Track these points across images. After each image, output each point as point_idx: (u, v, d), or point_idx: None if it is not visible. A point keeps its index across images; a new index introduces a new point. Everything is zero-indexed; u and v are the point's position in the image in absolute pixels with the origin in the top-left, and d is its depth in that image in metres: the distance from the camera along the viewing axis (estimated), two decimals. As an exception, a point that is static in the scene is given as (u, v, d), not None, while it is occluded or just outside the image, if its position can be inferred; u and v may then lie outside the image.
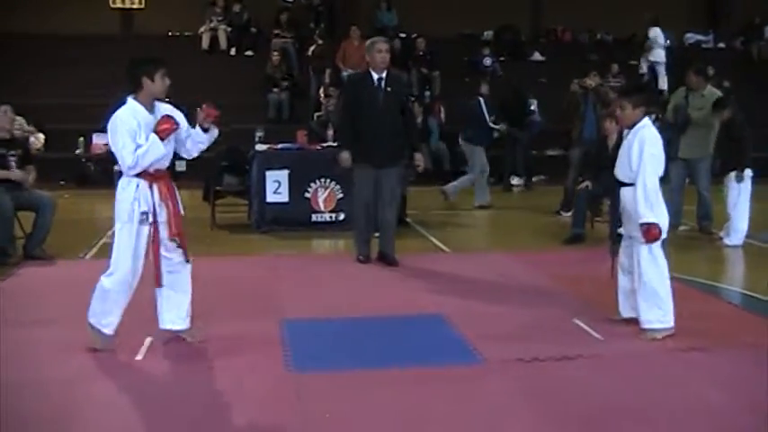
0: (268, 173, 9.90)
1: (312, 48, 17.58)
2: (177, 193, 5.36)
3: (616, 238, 5.98)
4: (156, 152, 5.09)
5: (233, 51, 18.52)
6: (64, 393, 4.67)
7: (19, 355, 5.27)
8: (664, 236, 5.66)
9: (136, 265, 5.21)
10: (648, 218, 5.51)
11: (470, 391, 4.75)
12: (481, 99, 12.46)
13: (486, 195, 12.37)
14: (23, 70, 16.57)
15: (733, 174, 9.21)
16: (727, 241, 9.29)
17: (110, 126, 5.17)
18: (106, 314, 5.26)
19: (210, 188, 10.27)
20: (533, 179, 15.25)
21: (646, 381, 4.92)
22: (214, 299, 5.63)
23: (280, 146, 10.48)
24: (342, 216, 9.91)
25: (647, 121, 5.74)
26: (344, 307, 6.50)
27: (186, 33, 19.18)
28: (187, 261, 5.38)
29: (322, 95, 15.80)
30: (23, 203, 8.21)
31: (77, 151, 15.34)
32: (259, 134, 10.88)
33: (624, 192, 5.73)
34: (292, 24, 18.33)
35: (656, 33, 18.75)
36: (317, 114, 15.45)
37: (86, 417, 4.41)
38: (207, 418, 4.35)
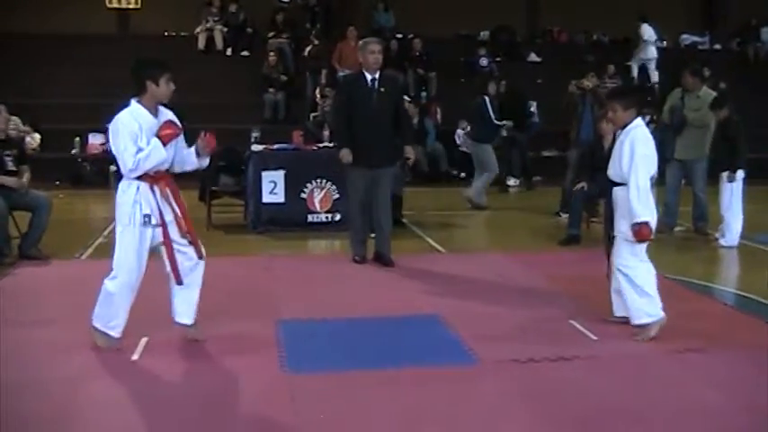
0: (264, 173, 9.89)
1: (308, 48, 17.57)
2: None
3: (611, 239, 5.99)
4: (158, 157, 5.10)
5: (229, 51, 18.51)
6: (63, 393, 4.66)
7: (18, 354, 5.26)
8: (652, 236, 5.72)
9: (139, 268, 5.21)
10: (642, 217, 5.55)
11: (466, 392, 4.75)
12: (486, 98, 12.47)
13: (482, 197, 12.36)
14: (19, 70, 16.55)
15: (725, 174, 9.22)
16: (722, 242, 9.31)
17: (111, 128, 5.18)
18: (112, 317, 5.28)
19: (206, 188, 10.25)
20: (531, 180, 15.26)
21: (642, 381, 4.93)
22: (210, 299, 5.61)
23: (276, 146, 10.47)
24: (338, 216, 9.91)
25: (638, 121, 5.77)
26: (340, 307, 6.50)
27: (182, 33, 19.16)
28: (200, 257, 5.37)
29: (318, 96, 15.82)
30: (19, 203, 8.19)
31: (73, 151, 15.31)
32: (255, 134, 10.88)
33: (616, 191, 5.77)
34: (288, 25, 18.33)
35: (645, 30, 18.84)
36: (313, 115, 15.46)
37: (86, 416, 4.40)
38: (203, 419, 4.35)
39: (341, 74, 15.46)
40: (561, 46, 21.04)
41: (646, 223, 5.55)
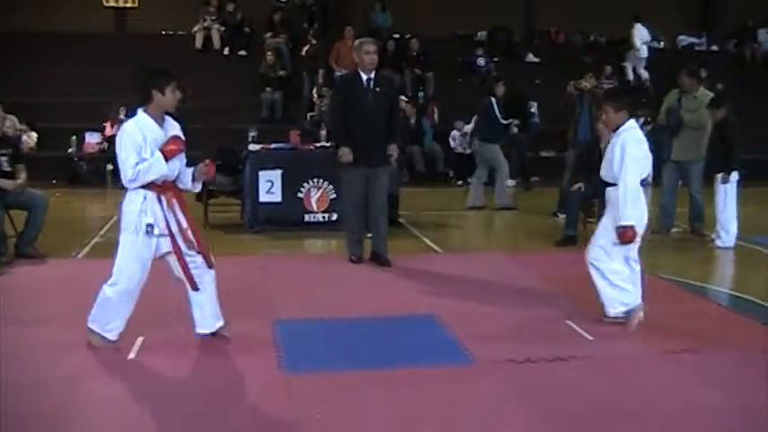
0: (261, 173, 9.88)
1: (306, 48, 17.57)
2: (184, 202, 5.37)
3: None
4: (158, 170, 5.11)
5: (226, 51, 18.49)
6: (62, 392, 4.65)
7: (16, 353, 5.25)
8: (639, 238, 5.77)
9: (139, 276, 5.22)
10: (627, 220, 5.60)
11: (462, 392, 4.75)
12: (493, 99, 12.50)
13: (481, 198, 12.36)
14: (16, 68, 16.52)
15: (720, 176, 9.23)
16: (718, 243, 9.32)
17: (117, 137, 5.22)
18: (109, 321, 5.29)
19: (203, 188, 10.24)
20: (529, 180, 15.29)
21: (638, 382, 4.94)
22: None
23: (273, 146, 10.47)
24: (334, 216, 9.90)
25: (631, 123, 5.79)
26: (337, 307, 6.50)
27: (180, 33, 19.16)
28: (209, 267, 5.37)
29: (315, 96, 15.82)
30: (15, 202, 8.18)
31: (70, 150, 15.30)
32: (252, 134, 10.88)
33: (609, 191, 5.82)
34: (286, 24, 18.33)
35: (639, 30, 18.89)
36: (310, 114, 15.47)
37: (84, 415, 4.40)
38: (200, 418, 4.34)
39: (338, 74, 15.47)
40: (558, 46, 21.06)
41: (631, 227, 5.61)
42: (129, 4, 19.91)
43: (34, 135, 15.25)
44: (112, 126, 15.33)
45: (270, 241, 9.50)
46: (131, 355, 5.24)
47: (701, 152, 9.63)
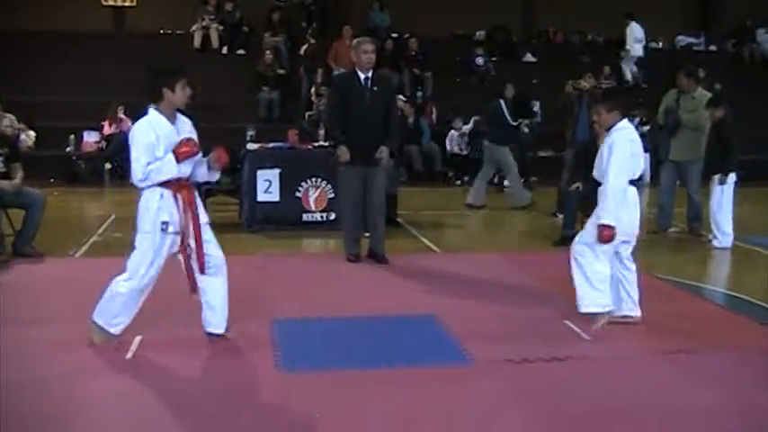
0: (259, 172, 9.88)
1: (304, 47, 17.57)
2: (199, 201, 5.39)
3: None
4: (169, 171, 5.11)
5: (225, 50, 18.50)
6: (61, 391, 4.65)
7: (15, 352, 5.24)
8: (627, 238, 5.81)
9: (154, 274, 5.24)
10: (605, 220, 5.61)
11: (460, 392, 4.75)
12: (502, 101, 12.51)
13: (482, 197, 12.36)
14: (14, 67, 16.52)
15: (717, 176, 9.24)
16: (716, 243, 9.32)
17: (130, 136, 5.22)
18: (117, 316, 5.29)
19: (201, 187, 10.23)
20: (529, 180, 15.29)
21: (635, 382, 4.94)
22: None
23: (271, 145, 10.47)
24: (332, 216, 9.90)
25: (623, 124, 5.81)
26: (335, 307, 6.50)
27: (178, 31, 19.16)
28: (201, 271, 5.34)
29: (313, 95, 15.82)
30: (13, 201, 8.18)
31: (68, 149, 15.30)
32: (250, 133, 10.87)
33: (600, 191, 5.84)
34: (284, 24, 18.32)
35: (634, 29, 18.92)
36: (308, 114, 15.48)
37: (83, 414, 4.39)
38: (198, 417, 4.34)
39: (335, 73, 15.47)
40: (557, 46, 21.07)
41: (609, 226, 5.61)
42: (127, 3, 19.93)
43: (32, 134, 15.25)
44: (111, 125, 15.36)
45: (268, 240, 9.50)
46: (129, 355, 5.24)
47: (699, 152, 9.63)
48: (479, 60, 18.79)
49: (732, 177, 9.23)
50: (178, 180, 5.20)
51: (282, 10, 18.54)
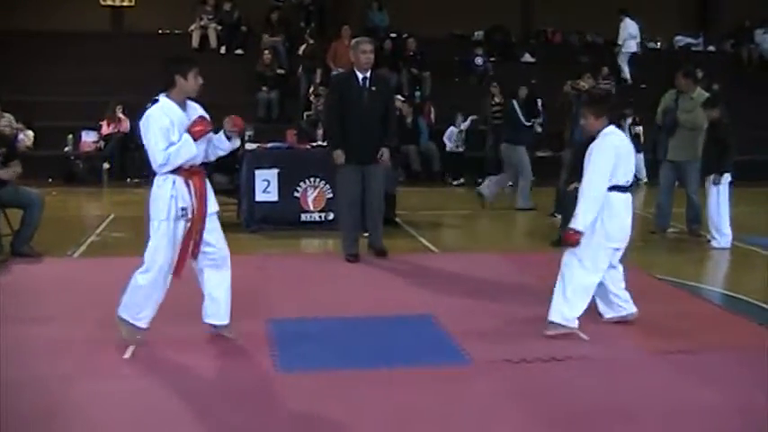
0: (257, 172, 9.87)
1: (303, 47, 17.56)
2: (210, 189, 5.40)
3: None
4: (188, 152, 5.12)
5: (223, 50, 18.48)
6: (60, 390, 4.64)
7: (14, 352, 5.23)
8: (617, 245, 5.73)
9: (170, 260, 5.25)
10: (575, 224, 5.61)
11: (458, 392, 4.74)
12: (515, 101, 12.51)
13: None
14: (13, 67, 16.49)
15: (711, 177, 9.24)
16: (714, 243, 9.32)
17: (142, 124, 5.20)
18: (141, 309, 5.30)
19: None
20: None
21: (634, 382, 4.94)
22: (201, 298, 5.59)
23: (269, 145, 10.46)
24: (331, 216, 9.89)
25: (609, 129, 5.78)
26: (333, 307, 6.49)
27: (176, 31, 19.14)
28: (193, 256, 5.35)
29: (312, 95, 15.80)
30: (11, 200, 8.17)
31: (66, 149, 15.28)
32: (249, 133, 10.85)
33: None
34: (283, 24, 18.31)
35: (628, 25, 18.93)
36: (306, 114, 15.43)
37: (83, 414, 4.39)
38: (196, 417, 4.33)
39: (334, 73, 15.46)
40: (555, 46, 21.07)
41: (576, 231, 5.60)
42: (125, 3, 19.91)
43: (31, 134, 15.23)
44: (109, 125, 15.34)
45: (266, 240, 9.49)
46: (127, 354, 5.23)
47: (697, 152, 9.61)
48: (478, 60, 18.79)
49: (727, 178, 9.23)
50: (190, 167, 5.21)
51: (281, 10, 18.52)
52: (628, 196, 5.78)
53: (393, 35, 18.89)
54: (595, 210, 5.61)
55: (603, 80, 16.64)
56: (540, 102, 15.79)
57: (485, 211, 12.10)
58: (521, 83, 13.87)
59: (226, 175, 10.37)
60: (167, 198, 5.16)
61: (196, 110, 5.33)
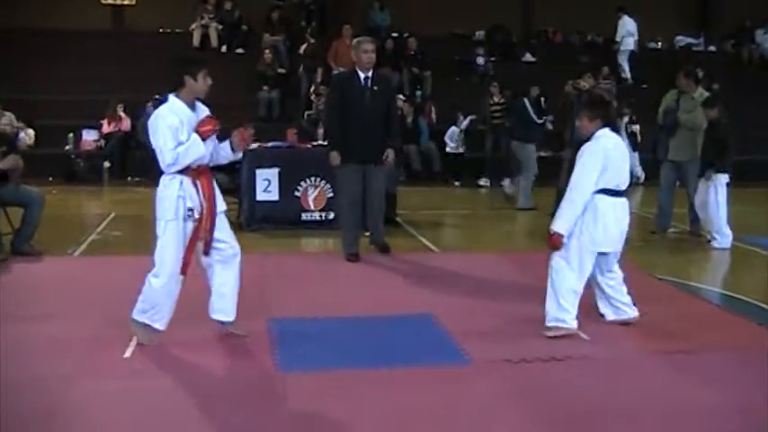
0: (258, 171, 9.87)
1: (303, 46, 17.56)
2: (217, 188, 5.41)
3: None
4: (197, 151, 5.13)
5: (224, 49, 18.48)
6: (61, 390, 4.64)
7: (14, 351, 5.23)
8: (603, 249, 5.72)
9: (180, 260, 5.25)
10: (554, 226, 5.65)
11: (458, 392, 4.74)
12: (526, 99, 12.52)
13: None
14: (13, 66, 16.50)
15: (705, 173, 9.23)
16: (715, 244, 9.31)
17: (151, 123, 5.21)
18: (157, 311, 5.30)
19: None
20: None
21: (634, 382, 4.93)
22: (202, 297, 5.59)
23: (270, 144, 10.46)
24: (331, 215, 9.89)
25: (602, 132, 5.78)
26: (333, 306, 6.49)
27: (177, 30, 19.15)
28: (205, 253, 5.37)
29: (313, 94, 15.81)
30: (11, 199, 8.17)
31: (66, 147, 15.29)
32: (249, 132, 10.83)
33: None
34: (283, 23, 18.31)
35: (625, 22, 18.93)
36: (307, 113, 15.45)
37: (83, 413, 4.38)
38: (195, 416, 4.34)
39: (335, 72, 15.47)
40: (556, 46, 21.07)
41: (558, 234, 5.62)
42: (126, 2, 19.92)
43: (31, 132, 15.23)
44: (110, 123, 15.35)
45: (266, 240, 9.49)
46: (127, 354, 5.23)
47: (697, 152, 9.60)
48: (480, 60, 18.78)
49: (725, 178, 9.23)
50: (198, 166, 5.21)
51: (282, 9, 18.53)
52: (619, 201, 5.75)
53: (394, 34, 18.90)
54: (577, 212, 5.62)
55: (604, 80, 16.65)
56: (543, 100, 15.85)
57: (485, 210, 12.12)
58: (521, 83, 13.88)
59: (226, 174, 10.36)
60: (174, 198, 5.17)
61: (204, 112, 5.35)
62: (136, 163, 14.99)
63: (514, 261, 8.33)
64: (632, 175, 5.97)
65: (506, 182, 12.59)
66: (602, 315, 6.03)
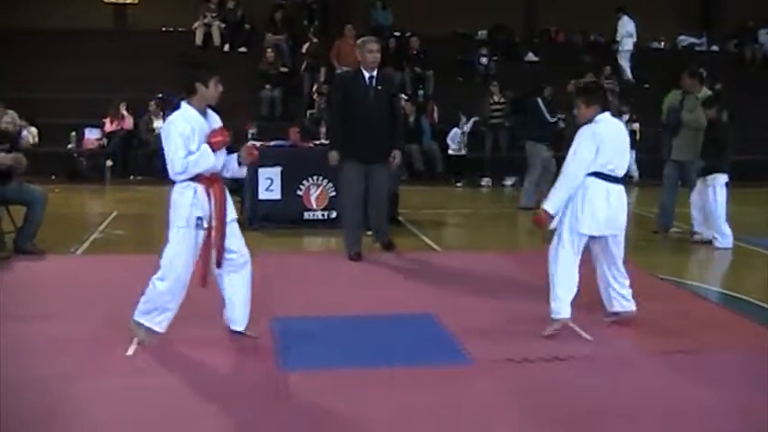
0: (260, 170, 9.87)
1: (306, 45, 17.57)
2: (229, 197, 5.41)
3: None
4: (207, 162, 5.13)
5: (227, 47, 18.49)
6: (61, 389, 4.64)
7: (15, 350, 5.23)
8: (593, 233, 5.69)
9: (188, 268, 5.25)
10: (546, 205, 5.67)
11: (460, 392, 4.74)
12: (539, 99, 12.52)
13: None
14: (16, 64, 16.53)
15: (709, 177, 9.22)
16: (717, 244, 9.31)
17: (163, 130, 5.22)
18: (160, 313, 5.30)
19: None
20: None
21: (636, 382, 4.93)
22: (203, 296, 5.59)
23: (272, 143, 10.47)
24: (334, 214, 9.91)
25: (601, 116, 5.77)
26: (335, 305, 6.49)
27: (180, 29, 19.15)
28: (218, 265, 5.36)
29: (315, 93, 15.82)
30: (14, 197, 8.18)
31: (69, 146, 15.30)
32: (252, 131, 10.87)
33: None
34: (286, 22, 18.32)
35: (625, 22, 18.92)
36: (309, 112, 15.46)
37: (84, 413, 4.38)
38: (198, 415, 4.34)
39: (338, 71, 15.47)
40: (558, 46, 21.07)
41: (545, 212, 5.65)
42: (129, 1, 19.92)
43: (34, 130, 15.24)
44: (112, 122, 15.38)
45: (269, 239, 9.49)
46: (129, 352, 5.23)
47: (700, 152, 9.62)
48: (483, 60, 18.77)
49: (724, 178, 9.23)
50: (211, 174, 5.22)
51: (284, 8, 18.54)
52: (614, 187, 5.70)
53: (396, 34, 18.90)
54: (567, 192, 5.62)
55: (606, 80, 16.66)
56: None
57: (487, 209, 12.10)
58: (524, 82, 13.90)
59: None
60: (188, 206, 5.17)
61: (216, 120, 5.34)
62: (138, 162, 15.03)
63: (517, 260, 8.33)
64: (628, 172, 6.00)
65: (509, 181, 12.59)
66: (603, 307, 6.01)
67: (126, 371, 4.98)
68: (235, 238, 5.40)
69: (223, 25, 18.56)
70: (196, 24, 18.52)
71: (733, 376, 5.06)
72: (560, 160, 11.26)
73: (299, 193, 10.01)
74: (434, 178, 15.59)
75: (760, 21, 21.48)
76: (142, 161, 14.94)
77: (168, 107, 11.21)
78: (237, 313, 5.51)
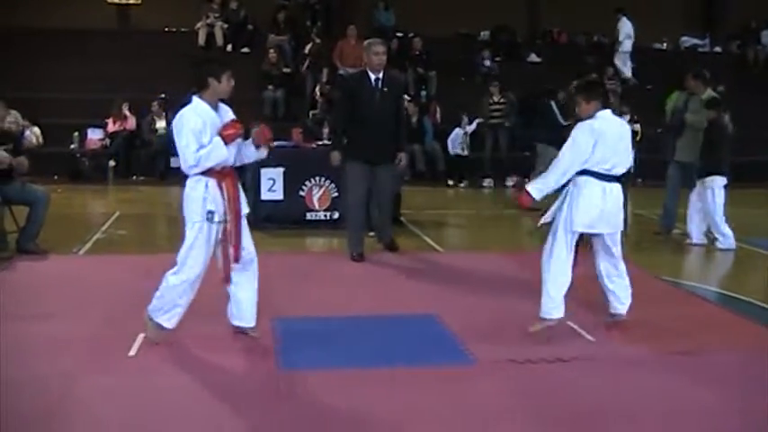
0: (263, 170, 9.88)
1: (309, 46, 17.57)
2: (242, 191, 5.42)
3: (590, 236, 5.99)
4: (219, 155, 5.13)
5: (229, 48, 18.48)
6: (62, 389, 4.65)
7: (16, 350, 5.24)
8: (584, 230, 5.68)
9: (203, 264, 5.26)
10: (531, 187, 5.67)
11: (462, 392, 4.75)
12: (552, 102, 12.50)
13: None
14: (19, 64, 16.53)
15: (708, 179, 9.22)
16: (718, 245, 9.31)
17: (175, 124, 5.22)
18: (170, 309, 5.31)
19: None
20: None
21: (638, 383, 4.93)
22: (206, 296, 5.60)
23: (275, 143, 10.42)
24: (336, 215, 9.92)
25: (602, 113, 5.79)
26: (337, 306, 6.50)
27: (183, 29, 19.15)
28: (236, 261, 5.37)
29: (318, 94, 15.82)
30: (17, 197, 8.19)
31: (72, 146, 15.31)
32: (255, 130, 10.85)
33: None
34: (289, 23, 18.32)
35: (624, 23, 18.91)
36: (312, 112, 15.47)
37: (84, 413, 4.39)
38: (199, 415, 4.35)
39: (341, 72, 15.47)
40: (561, 47, 21.04)
41: (528, 193, 5.65)
42: (131, 1, 19.93)
43: (37, 130, 15.22)
44: (115, 122, 15.38)
45: (271, 239, 9.48)
46: (132, 352, 5.24)
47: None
48: (486, 61, 18.76)
49: (722, 180, 9.23)
50: (222, 168, 5.22)
51: (287, 9, 18.52)
52: (611, 186, 5.67)
53: (399, 34, 18.88)
54: (556, 181, 5.62)
55: (609, 80, 16.64)
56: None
57: (489, 210, 12.10)
58: (526, 83, 13.90)
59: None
60: (200, 200, 5.18)
61: (227, 112, 5.36)
62: (141, 162, 15.03)
63: (519, 261, 8.32)
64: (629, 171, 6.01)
65: (510, 182, 12.58)
66: (607, 309, 6.02)
67: (128, 370, 4.99)
68: (245, 235, 5.41)
69: (226, 26, 18.54)
70: (199, 25, 18.51)
71: (733, 376, 5.06)
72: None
73: (302, 193, 10.02)
74: (436, 179, 15.59)
75: (763, 22, 21.45)
76: (145, 161, 14.94)
77: (171, 107, 11.19)
78: (246, 311, 5.52)
